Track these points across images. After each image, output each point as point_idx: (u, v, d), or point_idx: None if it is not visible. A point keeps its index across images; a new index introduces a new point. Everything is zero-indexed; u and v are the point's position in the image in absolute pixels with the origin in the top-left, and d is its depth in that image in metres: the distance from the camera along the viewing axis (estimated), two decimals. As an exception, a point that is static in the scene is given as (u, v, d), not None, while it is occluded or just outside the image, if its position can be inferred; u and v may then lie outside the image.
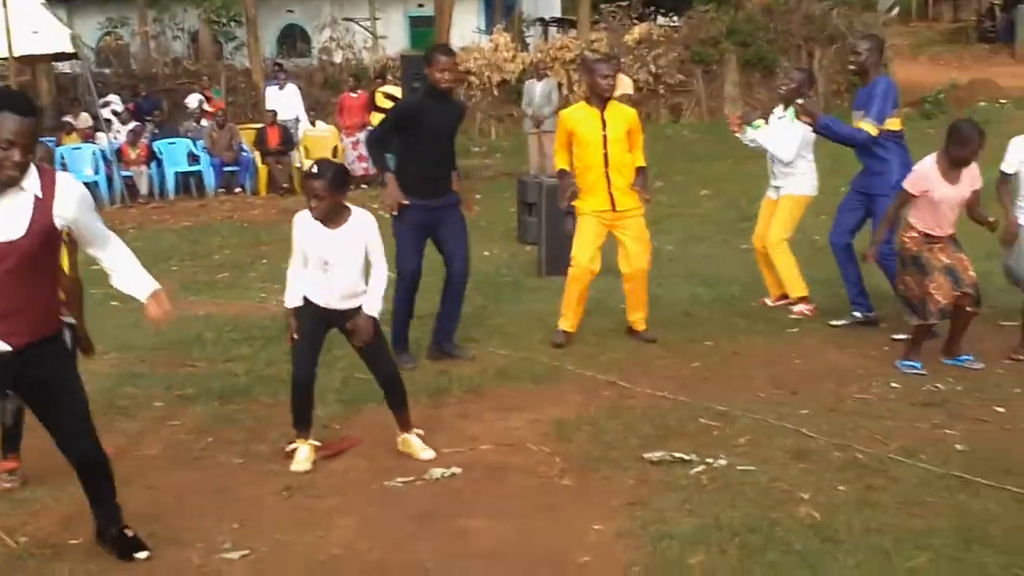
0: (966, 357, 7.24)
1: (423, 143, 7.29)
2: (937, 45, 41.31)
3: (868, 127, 7.89)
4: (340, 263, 5.69)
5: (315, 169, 5.61)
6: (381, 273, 5.86)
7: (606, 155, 7.82)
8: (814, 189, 8.83)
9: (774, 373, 7.26)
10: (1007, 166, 7.41)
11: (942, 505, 5.03)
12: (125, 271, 4.71)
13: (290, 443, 5.93)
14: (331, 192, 5.55)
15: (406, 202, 7.34)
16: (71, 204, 4.34)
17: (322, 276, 5.71)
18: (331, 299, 5.75)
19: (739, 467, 5.53)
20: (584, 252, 7.93)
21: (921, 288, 6.99)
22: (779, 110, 8.87)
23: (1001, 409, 6.38)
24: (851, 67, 8.39)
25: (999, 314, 8.10)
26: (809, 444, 5.85)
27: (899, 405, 6.54)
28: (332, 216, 5.62)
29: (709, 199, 15.66)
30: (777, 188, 8.90)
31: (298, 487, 5.53)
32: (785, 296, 9.02)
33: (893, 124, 7.96)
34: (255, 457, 5.98)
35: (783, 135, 8.66)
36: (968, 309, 7.09)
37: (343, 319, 5.79)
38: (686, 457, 5.67)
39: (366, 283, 5.81)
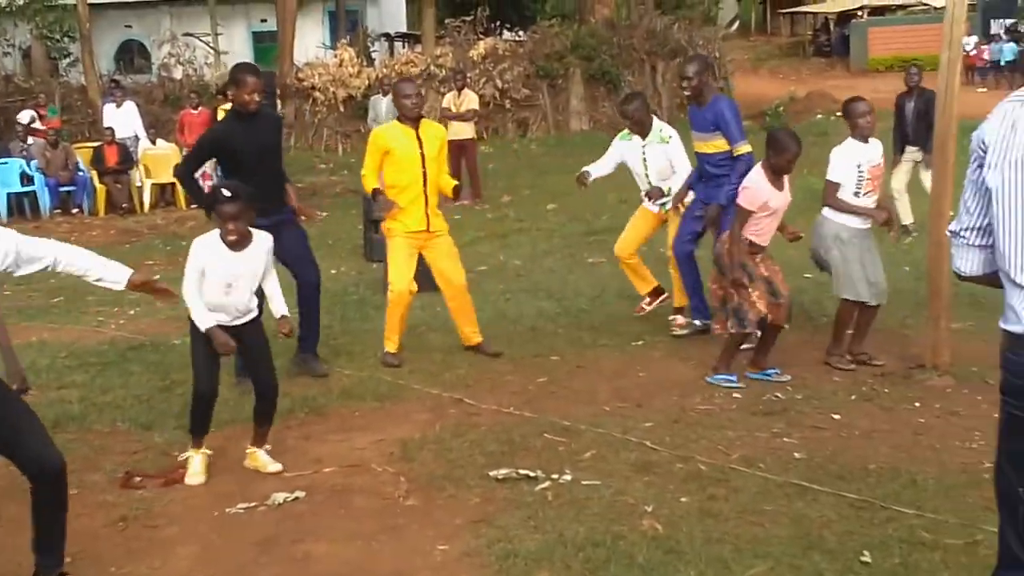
0: (773, 371, 7.37)
1: (244, 165, 7.09)
2: (776, 59, 42.48)
3: (744, 148, 8.01)
4: (242, 284, 5.68)
5: (228, 192, 5.53)
6: (274, 277, 5.96)
7: (424, 173, 7.82)
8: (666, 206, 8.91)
9: (619, 386, 7.32)
10: (834, 175, 7.49)
11: (781, 513, 5.11)
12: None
13: (183, 454, 5.89)
14: (247, 214, 5.53)
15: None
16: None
17: (221, 297, 5.64)
18: (224, 318, 5.68)
19: (584, 482, 5.54)
20: (402, 277, 7.90)
21: (742, 296, 7.13)
22: (639, 141, 8.81)
23: (837, 416, 6.53)
24: (685, 92, 8.44)
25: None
26: (653, 457, 5.90)
27: (740, 415, 6.65)
28: (243, 239, 5.58)
29: (556, 213, 15.78)
30: (663, 204, 8.89)
31: (134, 517, 5.37)
32: (658, 291, 9.04)
33: (724, 146, 8.10)
34: (89, 487, 5.78)
35: (671, 157, 8.71)
36: (780, 324, 7.26)
37: (236, 336, 5.72)
38: (531, 474, 5.66)
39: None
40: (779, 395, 6.99)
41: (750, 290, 7.09)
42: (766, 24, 50.12)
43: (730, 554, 4.66)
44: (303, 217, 7.75)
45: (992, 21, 43.89)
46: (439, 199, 8.03)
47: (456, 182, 8.23)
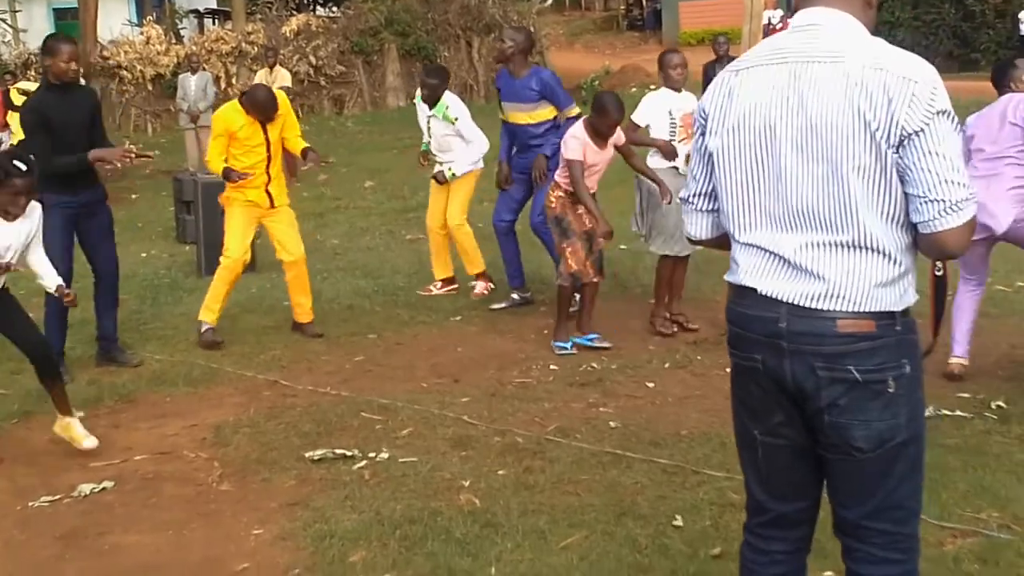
0: (594, 335, 7.48)
1: (58, 139, 6.81)
2: (590, 33, 42.91)
3: (575, 110, 8.21)
4: (8, 256, 5.55)
5: (23, 166, 5.34)
6: (42, 250, 5.82)
7: (269, 156, 7.75)
8: (481, 161, 8.97)
9: (437, 362, 7.30)
10: (638, 117, 7.66)
11: (596, 482, 5.18)
12: None
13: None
14: (34, 187, 5.46)
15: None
16: None
17: None
18: None
19: (401, 459, 5.52)
20: (239, 244, 7.77)
21: (559, 251, 7.20)
22: (426, 108, 8.89)
23: (651, 384, 6.64)
24: (497, 56, 8.54)
25: (651, 293, 8.44)
26: (470, 431, 5.91)
27: (557, 386, 6.71)
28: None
29: (373, 191, 15.64)
30: (450, 172, 8.93)
31: (-70, 516, 5.13)
32: (451, 280, 9.13)
33: (550, 113, 8.23)
34: None
35: (461, 132, 8.77)
36: (595, 280, 7.38)
37: None
38: (348, 453, 5.61)
39: None
40: (595, 365, 7.07)
41: (564, 245, 7.19)
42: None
43: (546, 524, 4.70)
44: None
45: (797, -5, 45.08)
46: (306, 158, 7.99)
47: (304, 144, 8.07)
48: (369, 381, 6.91)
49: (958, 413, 5.90)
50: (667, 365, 7.01)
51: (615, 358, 7.19)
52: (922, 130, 2.59)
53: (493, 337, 7.90)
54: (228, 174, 7.65)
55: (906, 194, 2.66)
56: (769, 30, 37.85)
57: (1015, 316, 7.57)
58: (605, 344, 7.39)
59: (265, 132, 7.69)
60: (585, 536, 4.60)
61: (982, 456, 5.29)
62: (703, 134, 2.93)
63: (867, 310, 2.69)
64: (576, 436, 5.79)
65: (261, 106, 7.58)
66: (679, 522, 4.65)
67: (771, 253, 2.78)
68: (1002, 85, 6.43)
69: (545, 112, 8.23)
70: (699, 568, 4.24)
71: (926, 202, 2.62)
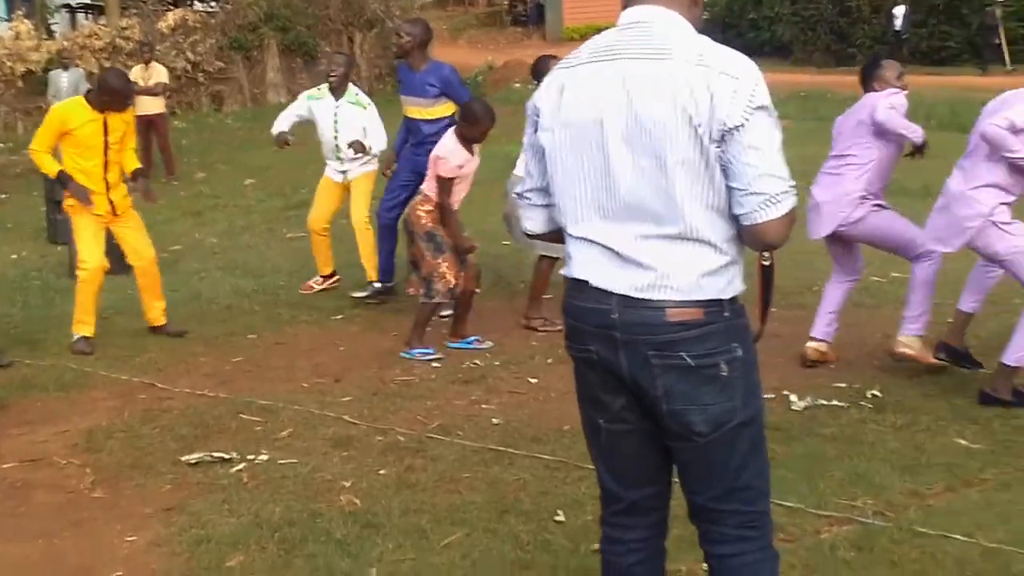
0: (474, 338, 7.44)
1: None
2: (474, 28, 42.86)
3: None
4: None
5: None
6: None
7: (107, 161, 7.52)
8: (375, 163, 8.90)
9: (318, 362, 7.21)
10: None
11: (478, 479, 5.15)
12: None
13: None
14: None
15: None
16: None
17: None
18: None
19: (281, 461, 5.43)
20: (92, 252, 7.56)
21: (431, 267, 7.14)
22: (326, 94, 8.79)
23: (534, 380, 6.64)
24: (396, 50, 8.45)
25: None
26: (351, 431, 5.84)
27: (440, 384, 6.67)
28: None
29: (254, 188, 15.42)
30: (344, 172, 8.84)
31: None
32: (332, 275, 9.03)
33: (449, 109, 8.17)
34: None
35: (366, 124, 8.67)
36: (473, 289, 7.34)
37: None
38: (226, 456, 5.49)
39: None
40: (478, 362, 7.05)
41: (439, 260, 7.11)
42: (458, -6, 50.57)
43: (428, 523, 4.66)
44: None
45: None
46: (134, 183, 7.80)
47: (138, 164, 7.88)
48: (248, 382, 6.79)
49: (835, 403, 6.00)
50: (550, 361, 7.01)
51: (498, 355, 7.17)
52: (742, 125, 2.67)
53: (375, 335, 7.82)
54: (67, 182, 7.42)
55: (728, 187, 2.73)
56: (699, 22, 38.52)
57: (889, 306, 7.72)
58: (485, 345, 7.36)
59: (106, 135, 7.45)
60: (467, 534, 4.57)
61: (858, 445, 5.39)
62: (536, 130, 2.97)
63: (695, 299, 2.76)
64: (458, 433, 5.76)
65: (116, 91, 7.35)
66: (561, 517, 4.64)
67: (602, 246, 2.84)
68: (868, 84, 6.55)
69: (443, 108, 8.15)
70: (580, 563, 4.24)
71: (747, 195, 2.71)
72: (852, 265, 6.78)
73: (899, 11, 31.39)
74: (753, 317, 2.97)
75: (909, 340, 6.43)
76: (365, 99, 8.71)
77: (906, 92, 6.52)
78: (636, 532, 3.12)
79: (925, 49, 31.78)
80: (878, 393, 6.11)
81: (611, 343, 2.83)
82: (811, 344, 6.75)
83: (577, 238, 2.90)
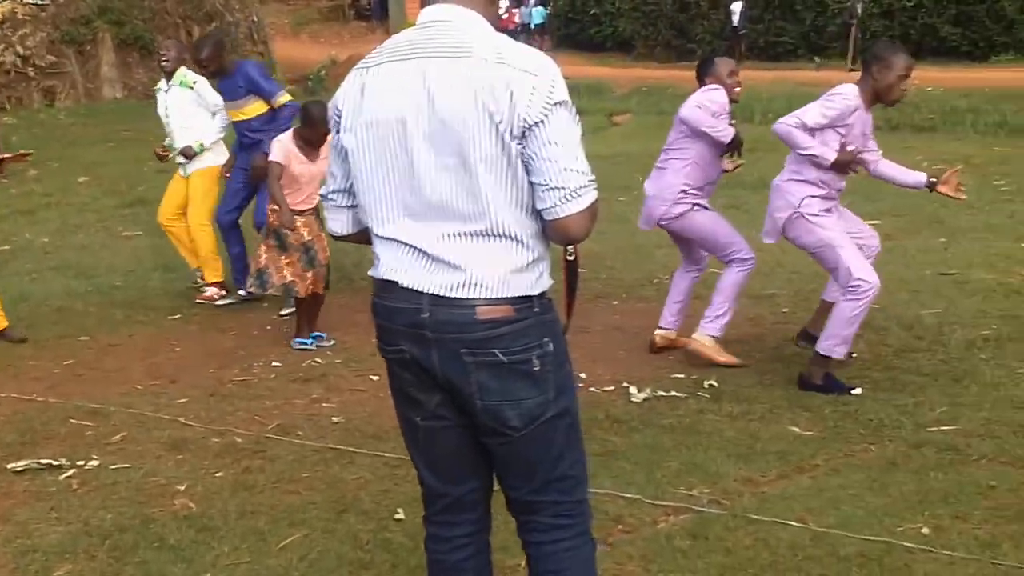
0: (318, 334, 7.36)
1: None
2: (316, 23, 42.51)
3: (285, 98, 8.15)
4: None
5: None
6: None
7: None
8: (224, 157, 8.67)
9: (153, 363, 7.03)
10: None
11: (317, 479, 5.08)
12: None
13: None
14: None
15: None
16: None
17: None
18: None
19: (112, 466, 5.26)
20: None
21: (274, 262, 7.05)
22: (163, 84, 8.57)
23: (375, 377, 6.56)
24: (206, 71, 8.23)
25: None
26: (187, 433, 5.70)
27: (279, 383, 6.57)
28: None
29: (88, 186, 14.95)
30: (182, 165, 8.61)
31: None
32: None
33: (262, 106, 8.09)
34: None
35: (200, 97, 8.45)
36: (319, 292, 7.25)
37: None
38: (55, 462, 5.31)
39: None
40: (319, 360, 6.96)
41: (281, 257, 7.02)
42: (306, -11, 50.05)
43: (266, 525, 4.58)
44: None
45: (521, -14, 46.07)
46: None
47: None
48: (79, 386, 6.58)
49: (673, 394, 6.09)
50: (391, 357, 6.94)
51: (340, 352, 7.10)
52: (542, 121, 2.70)
53: (214, 335, 7.67)
54: None
55: (531, 183, 2.75)
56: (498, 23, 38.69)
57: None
58: (326, 343, 7.28)
59: None
60: (305, 535, 4.50)
61: (695, 435, 5.47)
62: (338, 131, 2.94)
63: (505, 296, 2.77)
64: (298, 433, 5.67)
65: None
66: (401, 515, 4.61)
67: (410, 246, 2.83)
68: (702, 80, 6.66)
69: (257, 106, 8.08)
70: (420, 561, 4.15)
71: (548, 190, 2.73)
72: (699, 257, 6.89)
73: (736, 7, 32.15)
74: (560, 311, 2.99)
75: (702, 338, 6.59)
76: (192, 77, 8.43)
77: (739, 89, 6.64)
78: (461, 528, 3.12)
79: (762, 44, 32.68)
80: (715, 383, 6.21)
81: (423, 342, 2.82)
82: (659, 332, 6.86)
83: (384, 239, 2.88)
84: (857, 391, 5.98)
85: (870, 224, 6.71)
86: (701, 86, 6.63)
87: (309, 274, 7.12)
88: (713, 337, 6.57)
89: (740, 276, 6.56)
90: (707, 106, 6.44)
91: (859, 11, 29.22)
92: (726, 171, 6.81)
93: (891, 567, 4.07)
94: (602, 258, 9.42)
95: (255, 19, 26.76)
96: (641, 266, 9.07)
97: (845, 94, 5.96)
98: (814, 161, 5.96)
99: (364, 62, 2.91)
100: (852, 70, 27.37)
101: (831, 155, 5.92)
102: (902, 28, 30.86)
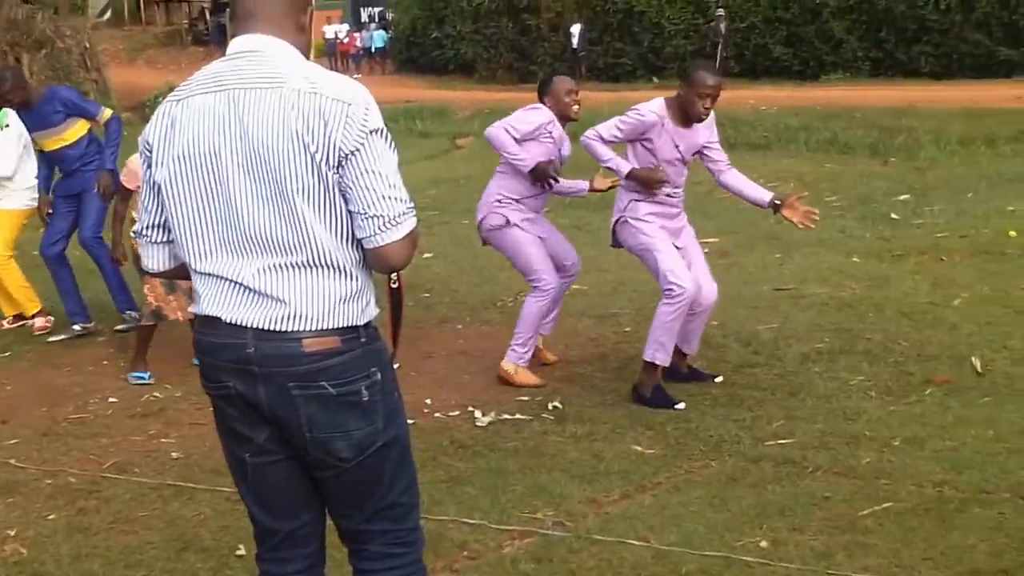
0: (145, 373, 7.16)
1: None
2: (153, 48, 41.83)
3: (109, 112, 7.99)
4: None
5: None
6: None
7: None
8: (33, 201, 8.32)
9: (-18, 403, 6.78)
10: None
11: (155, 517, 4.95)
12: None
13: None
14: None
15: None
16: None
17: None
18: None
19: (-63, 514, 5.06)
20: None
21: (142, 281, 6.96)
22: None
23: (216, 410, 6.44)
24: (9, 103, 7.96)
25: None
26: (18, 475, 5.50)
27: (117, 420, 6.39)
28: None
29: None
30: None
31: None
32: (21, 315, 8.51)
33: (84, 127, 7.98)
34: None
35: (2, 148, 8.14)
36: (187, 318, 7.10)
37: None
38: None
39: None
40: (158, 395, 6.80)
41: (143, 282, 6.91)
42: (140, 14, 49.09)
43: (101, 568, 4.43)
44: None
45: (362, 9, 46.02)
46: None
47: None
48: None
49: (518, 416, 6.11)
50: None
51: (180, 386, 6.93)
52: (358, 150, 2.68)
53: (47, 371, 7.43)
54: None
55: (349, 212, 2.73)
56: (337, 45, 38.23)
57: (570, 318, 7.91)
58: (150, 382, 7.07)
59: None
60: (144, 576, 4.39)
61: (539, 457, 5.49)
62: (150, 166, 2.87)
63: (330, 327, 2.75)
64: (135, 471, 5.52)
65: None
66: (242, 551, 4.49)
67: (231, 280, 2.78)
68: (541, 100, 6.72)
69: (78, 128, 7.94)
70: (261, 598, 4.12)
71: (367, 218, 2.71)
72: (558, 264, 6.86)
73: (576, 30, 32.69)
74: (387, 340, 2.98)
75: (507, 364, 6.73)
76: (6, 119, 8.17)
77: (577, 108, 6.69)
78: (295, 564, 3.07)
79: (602, 66, 33.22)
80: (559, 405, 6.25)
81: (249, 377, 2.77)
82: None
83: (203, 274, 2.82)
84: (681, 406, 6.11)
85: (706, 242, 6.85)
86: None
87: (171, 297, 6.96)
88: (516, 364, 6.68)
89: (538, 305, 6.64)
90: (516, 127, 6.54)
91: (723, 30, 29.94)
92: (598, 190, 6.88)
93: (731, 582, 4.15)
94: (446, 281, 9.43)
95: (87, 45, 26.12)
96: (485, 288, 9.09)
97: (640, 109, 6.14)
98: (615, 169, 6.19)
99: (173, 95, 2.85)
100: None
101: (625, 167, 6.15)
102: (736, 49, 31.74)
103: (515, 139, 6.49)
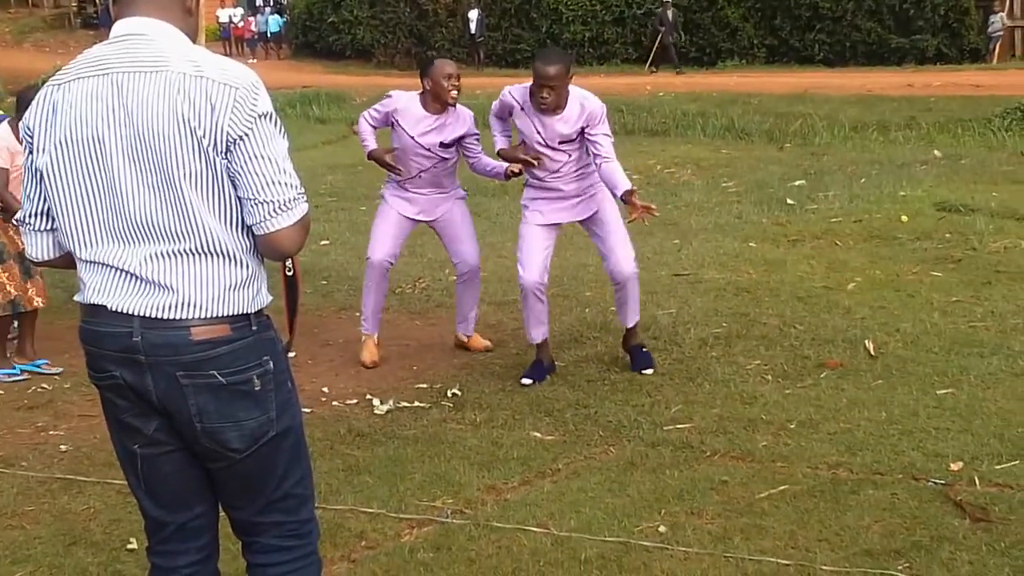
0: (42, 361, 7.03)
1: None
2: (41, 31, 40.91)
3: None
4: None
5: None
6: None
7: None
8: None
9: None
10: None
11: (44, 511, 4.83)
12: None
13: None
14: None
15: None
16: None
17: None
18: None
19: None
20: None
21: None
22: None
23: (107, 400, 6.30)
24: None
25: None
26: (-101, 470, 5.33)
27: (3, 412, 6.26)
28: None
29: None
30: None
31: None
32: None
33: None
34: None
35: None
36: (35, 307, 6.93)
37: None
38: None
39: None
40: (46, 386, 6.65)
41: (1, 270, 6.69)
42: (28, -4, 48.02)
43: (-16, 565, 4.32)
44: None
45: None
46: None
47: None
48: None
49: (416, 404, 6.07)
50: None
51: (68, 377, 6.77)
52: (246, 135, 2.64)
53: (-71, 363, 7.20)
54: None
55: (239, 197, 2.69)
56: (231, 29, 37.70)
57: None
58: (55, 369, 6.92)
59: None
60: (31, 572, 4.28)
61: (439, 445, 5.45)
62: (31, 152, 2.79)
63: (220, 315, 2.70)
64: (22, 464, 5.39)
65: None
66: (134, 545, 4.40)
67: (117, 268, 2.71)
68: (422, 81, 6.65)
69: None
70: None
71: (256, 203, 2.67)
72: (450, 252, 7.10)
73: (474, 15, 32.63)
74: (282, 327, 2.93)
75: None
76: None
77: (455, 93, 6.61)
78: (187, 556, 2.99)
79: (500, 51, 33.20)
80: (458, 392, 6.22)
81: (136, 367, 2.70)
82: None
83: (89, 262, 2.74)
84: (527, 381, 6.28)
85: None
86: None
87: (28, 284, 6.78)
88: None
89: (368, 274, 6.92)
90: (372, 114, 6.86)
91: (670, 17, 29.43)
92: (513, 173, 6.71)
93: (630, 567, 4.15)
94: (344, 268, 9.33)
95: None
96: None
97: (505, 90, 6.49)
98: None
99: (55, 79, 2.76)
100: (652, 72, 28.35)
101: (499, 144, 6.60)
102: (634, 35, 31.94)
103: (372, 125, 6.81)
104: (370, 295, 6.91)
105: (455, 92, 6.58)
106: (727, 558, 4.17)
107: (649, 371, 6.41)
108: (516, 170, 6.44)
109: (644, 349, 6.57)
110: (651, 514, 4.57)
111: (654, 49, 29.70)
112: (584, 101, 6.16)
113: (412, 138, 6.62)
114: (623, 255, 6.33)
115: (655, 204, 6.39)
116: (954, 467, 4.88)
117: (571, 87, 6.18)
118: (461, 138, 6.66)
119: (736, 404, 5.87)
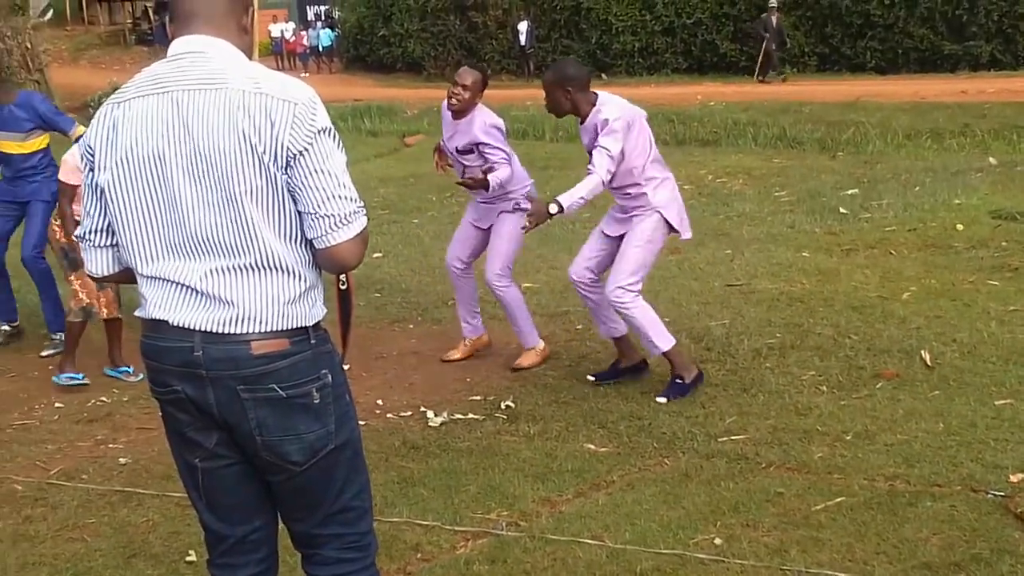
0: (125, 369, 7.14)
1: None
2: (97, 48, 41.43)
3: (83, 129, 7.66)
4: None
5: None
6: None
7: None
8: None
9: (-75, 410, 6.66)
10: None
11: (104, 524, 4.89)
12: None
13: None
14: None
15: None
16: None
17: None
18: None
19: None
20: None
21: (67, 284, 6.88)
22: None
23: (165, 414, 6.36)
24: None
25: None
26: (-40, 484, 5.42)
27: (62, 425, 6.31)
28: None
29: None
30: None
31: None
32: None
33: (45, 141, 7.87)
34: None
35: None
36: (114, 315, 7.03)
37: None
38: None
39: None
40: (104, 399, 6.72)
41: (72, 278, 6.83)
42: (83, 13, 48.58)
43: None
44: None
45: (308, 7, 45.82)
46: None
47: None
48: None
49: (470, 416, 6.08)
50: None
51: (127, 391, 6.85)
52: (306, 150, 2.66)
53: (-11, 377, 7.32)
54: None
55: (299, 212, 2.72)
56: (283, 44, 37.88)
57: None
58: (137, 377, 6.98)
59: None
60: (92, 585, 4.32)
61: (492, 457, 5.46)
62: (92, 169, 2.82)
63: (279, 328, 2.73)
64: (82, 477, 5.45)
65: None
66: (192, 557, 4.46)
67: (177, 283, 2.74)
68: None
69: (39, 141, 7.78)
70: (213, 605, 4.07)
71: (317, 218, 2.70)
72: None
73: (523, 27, 32.66)
74: (335, 341, 2.95)
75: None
76: None
77: (455, 100, 6.71)
78: (247, 569, 3.03)
79: (550, 63, 33.14)
80: (512, 404, 6.23)
81: (197, 381, 2.74)
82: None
83: (150, 277, 2.78)
84: (662, 400, 6.17)
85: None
86: None
87: (100, 294, 6.89)
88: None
89: None
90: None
91: (774, 23, 28.28)
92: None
93: (686, 580, 4.14)
94: (397, 281, 9.37)
95: (28, 46, 25.65)
96: (436, 288, 9.04)
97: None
98: None
99: (115, 97, 2.81)
100: (762, 82, 27.84)
101: None
102: (684, 45, 31.88)
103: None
104: (456, 298, 7.23)
105: (455, 99, 6.68)
106: (784, 571, 4.15)
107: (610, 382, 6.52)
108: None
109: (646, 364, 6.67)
110: (706, 526, 4.56)
111: (760, 58, 28.88)
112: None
113: (443, 142, 6.94)
114: (611, 278, 6.25)
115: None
116: (1014, 479, 4.83)
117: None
118: (477, 145, 6.69)
119: (791, 415, 5.84)
